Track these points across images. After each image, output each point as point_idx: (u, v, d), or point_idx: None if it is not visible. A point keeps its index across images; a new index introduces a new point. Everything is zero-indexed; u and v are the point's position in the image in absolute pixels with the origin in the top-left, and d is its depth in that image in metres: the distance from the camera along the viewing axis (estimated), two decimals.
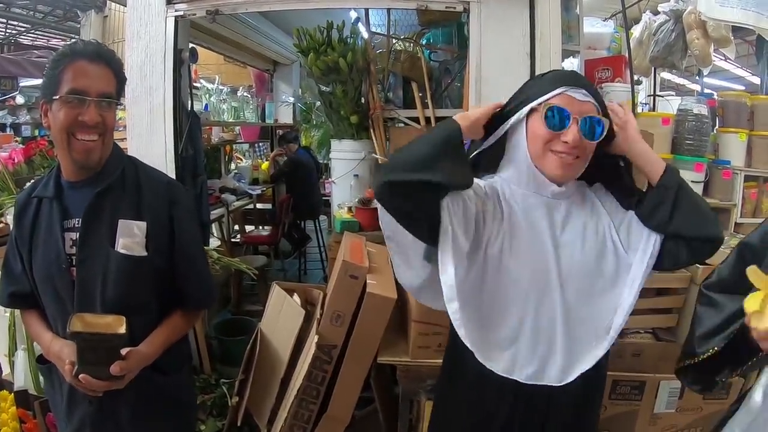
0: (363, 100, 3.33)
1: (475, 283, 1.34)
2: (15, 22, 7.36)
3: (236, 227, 6.18)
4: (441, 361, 1.98)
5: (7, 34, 8.04)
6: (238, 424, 2.56)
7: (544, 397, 1.35)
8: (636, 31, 3.67)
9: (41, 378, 2.05)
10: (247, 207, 6.09)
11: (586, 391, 1.41)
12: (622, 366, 2.32)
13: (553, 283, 1.32)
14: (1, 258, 1.72)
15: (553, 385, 1.32)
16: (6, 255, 1.63)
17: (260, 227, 6.17)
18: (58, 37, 8.16)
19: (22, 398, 2.50)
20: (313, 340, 2.15)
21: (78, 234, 1.48)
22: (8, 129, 8.73)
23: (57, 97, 1.40)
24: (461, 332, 1.29)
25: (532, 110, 1.34)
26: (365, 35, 3.48)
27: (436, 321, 1.99)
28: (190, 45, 3.42)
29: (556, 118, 1.30)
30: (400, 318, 2.26)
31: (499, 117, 1.40)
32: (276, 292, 2.63)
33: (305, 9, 2.88)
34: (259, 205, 6.43)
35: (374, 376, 2.26)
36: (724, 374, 1.33)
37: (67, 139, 1.43)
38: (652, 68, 3.74)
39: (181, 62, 3.19)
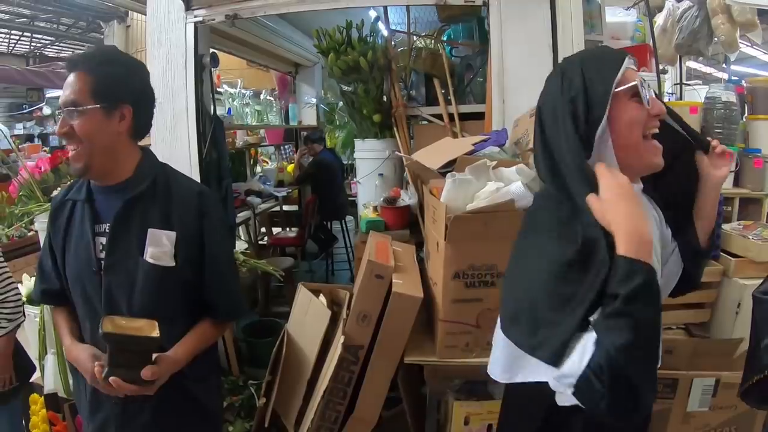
0: (385, 99, 3.31)
1: None
2: (39, 35, 7.52)
3: (263, 229, 6.23)
4: (468, 360, 1.97)
5: (32, 47, 8.21)
6: (266, 425, 2.56)
7: None
8: (659, 18, 3.60)
9: (70, 379, 2.07)
10: (273, 209, 6.13)
11: None
12: None
13: None
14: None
15: None
16: (41, 254, 1.70)
17: (287, 229, 6.20)
18: (82, 48, 8.31)
19: (52, 401, 2.56)
20: (339, 340, 2.13)
21: (106, 240, 1.49)
22: (36, 139, 8.93)
23: None
24: None
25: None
26: (385, 33, 3.46)
27: (463, 320, 1.97)
28: (211, 50, 3.45)
29: (645, 94, 1.17)
30: (426, 317, 2.23)
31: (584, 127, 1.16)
32: (302, 293, 2.63)
33: (323, 9, 2.88)
34: (285, 207, 6.46)
35: (401, 376, 2.24)
36: None
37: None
38: (678, 56, 3.65)
39: (203, 67, 3.23)
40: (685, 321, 2.41)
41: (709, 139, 1.37)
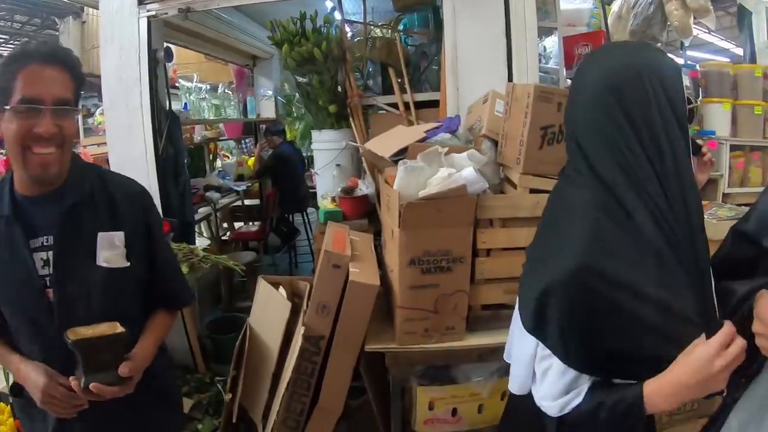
0: (340, 89, 3.30)
1: None
2: None
3: (225, 225, 6.17)
4: (428, 346, 1.99)
5: None
6: (233, 420, 2.56)
7: None
8: (615, 5, 3.65)
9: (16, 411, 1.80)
10: (235, 204, 6.08)
11: None
12: None
13: None
14: None
15: None
16: None
17: (249, 223, 6.15)
18: None
19: None
20: (299, 332, 2.14)
21: (51, 253, 1.38)
22: None
23: (8, 107, 1.27)
24: None
25: None
26: (340, 24, 3.45)
27: (421, 306, 1.99)
28: (166, 44, 3.39)
29: None
30: (386, 306, 2.25)
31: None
32: (262, 286, 2.62)
33: (278, 1, 2.86)
34: (247, 202, 6.41)
35: (364, 365, 2.25)
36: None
37: (22, 152, 1.29)
38: None
39: (156, 62, 3.19)
40: None
41: (700, 143, 1.44)
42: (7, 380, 2.58)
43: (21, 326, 1.43)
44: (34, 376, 1.36)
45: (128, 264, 1.46)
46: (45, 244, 1.38)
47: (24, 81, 1.26)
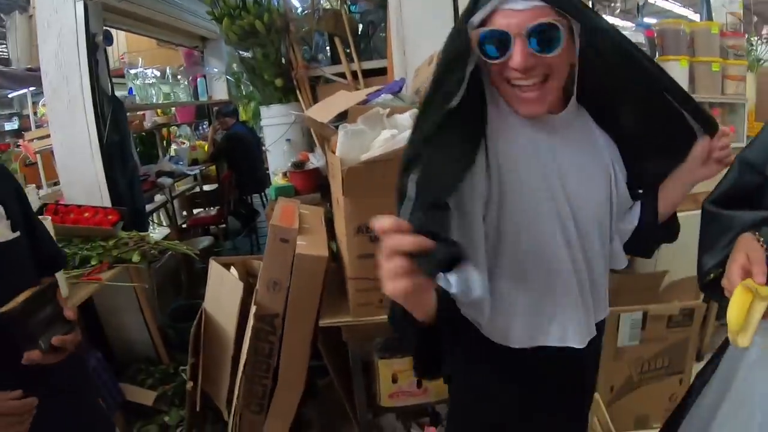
0: (285, 62, 3.21)
1: None
2: None
3: (185, 213, 6.03)
4: (384, 317, 1.93)
5: None
6: (197, 409, 2.49)
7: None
8: None
9: None
10: (193, 191, 5.94)
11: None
12: None
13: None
14: None
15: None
16: None
17: (208, 209, 6.02)
18: None
19: None
20: (251, 311, 2.07)
21: None
22: None
23: None
24: None
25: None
26: None
27: (372, 276, 1.92)
28: (105, 28, 3.26)
29: (493, 46, 1.05)
30: (339, 279, 2.19)
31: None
32: (213, 268, 2.53)
33: None
34: (206, 187, 6.29)
35: (322, 341, 2.20)
36: None
37: None
38: (591, 4, 3.68)
39: (96, 47, 3.07)
40: None
41: (723, 128, 1.25)
42: None
43: None
44: None
45: (17, 233, 1.35)
46: None
47: None
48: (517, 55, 1.02)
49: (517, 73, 1.04)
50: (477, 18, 1.06)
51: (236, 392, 2.19)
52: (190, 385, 2.53)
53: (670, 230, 1.38)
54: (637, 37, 2.91)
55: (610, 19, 7.30)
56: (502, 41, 1.03)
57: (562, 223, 1.14)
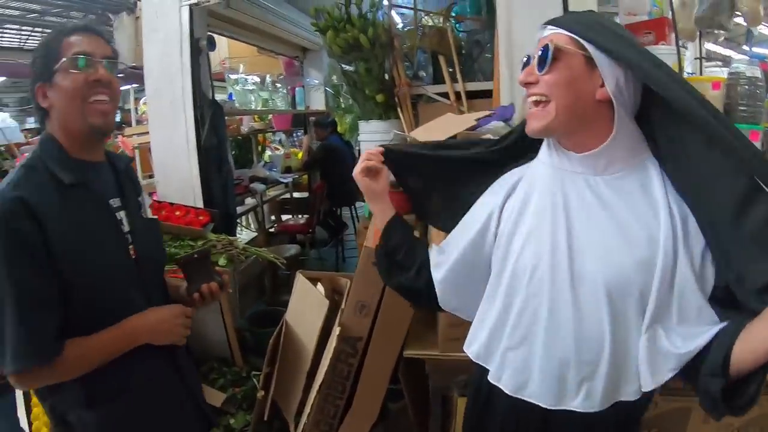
0: (387, 78, 3.17)
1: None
2: (50, 30, 7.52)
3: (273, 218, 6.14)
4: None
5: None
6: (265, 418, 2.47)
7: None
8: None
9: None
10: (283, 197, 6.03)
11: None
12: None
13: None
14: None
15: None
16: (25, 289, 1.23)
17: (297, 216, 6.09)
18: None
19: None
20: (335, 331, 2.02)
21: (124, 212, 1.47)
22: None
23: (58, 65, 1.32)
24: None
25: None
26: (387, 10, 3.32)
27: None
28: (209, 34, 3.35)
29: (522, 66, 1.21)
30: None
31: None
32: (300, 281, 2.51)
33: None
34: (296, 195, 6.37)
35: (402, 370, 2.12)
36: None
37: (81, 104, 1.33)
38: (698, 32, 3.46)
39: (199, 51, 3.16)
40: None
41: None
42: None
43: (110, 303, 1.38)
44: (159, 314, 1.46)
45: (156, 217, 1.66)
46: (117, 205, 1.45)
47: (72, 44, 1.34)
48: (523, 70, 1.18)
49: (524, 87, 1.18)
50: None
51: (307, 408, 2.15)
52: (261, 393, 2.52)
53: (734, 395, 1.03)
54: (753, 71, 2.66)
55: (715, 48, 6.81)
56: (527, 62, 1.19)
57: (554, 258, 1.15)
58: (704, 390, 1.04)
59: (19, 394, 2.71)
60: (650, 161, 1.15)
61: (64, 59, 1.32)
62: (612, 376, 1.11)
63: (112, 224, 1.41)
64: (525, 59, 1.20)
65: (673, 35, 2.99)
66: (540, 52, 1.13)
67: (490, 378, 1.24)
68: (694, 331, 1.05)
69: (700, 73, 3.53)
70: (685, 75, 3.36)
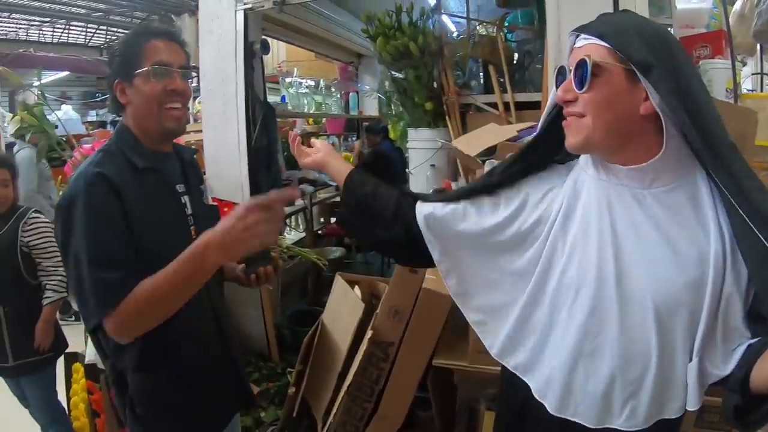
0: (437, 86, 3.17)
1: None
2: (114, 29, 7.87)
3: (322, 219, 6.20)
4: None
5: (107, 40, 8.66)
6: (294, 415, 2.50)
7: None
8: (737, 3, 3.29)
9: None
10: (333, 199, 6.08)
11: None
12: (711, 390, 2.02)
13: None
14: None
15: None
16: (103, 250, 1.33)
17: None
18: None
19: (91, 371, 2.66)
20: (367, 335, 2.04)
21: (188, 197, 1.60)
22: (108, 126, 9.27)
23: (140, 71, 1.43)
24: None
25: None
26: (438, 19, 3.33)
27: None
28: (263, 37, 3.43)
29: (556, 79, 1.14)
30: (463, 321, 2.09)
31: None
32: (338, 283, 2.55)
33: None
34: None
35: (431, 378, 2.12)
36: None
37: (158, 109, 1.46)
38: (758, 45, 3.32)
39: (253, 54, 3.23)
40: None
41: None
42: (86, 341, 2.69)
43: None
44: (224, 224, 1.27)
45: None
46: (182, 190, 1.59)
47: (154, 51, 1.45)
48: (560, 86, 1.10)
49: (563, 105, 1.11)
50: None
51: (335, 408, 2.18)
52: (292, 390, 2.57)
53: (749, 411, 1.03)
54: None
55: None
56: (562, 75, 1.12)
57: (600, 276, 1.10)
58: (724, 402, 1.06)
59: (60, 370, 2.87)
60: (699, 172, 1.08)
61: (146, 67, 1.43)
62: (656, 395, 1.08)
63: (178, 206, 1.56)
64: (556, 71, 1.14)
65: (729, 49, 2.89)
66: (578, 69, 1.05)
67: (536, 394, 1.18)
68: (732, 348, 1.06)
69: (761, 90, 3.39)
70: (744, 91, 3.23)
